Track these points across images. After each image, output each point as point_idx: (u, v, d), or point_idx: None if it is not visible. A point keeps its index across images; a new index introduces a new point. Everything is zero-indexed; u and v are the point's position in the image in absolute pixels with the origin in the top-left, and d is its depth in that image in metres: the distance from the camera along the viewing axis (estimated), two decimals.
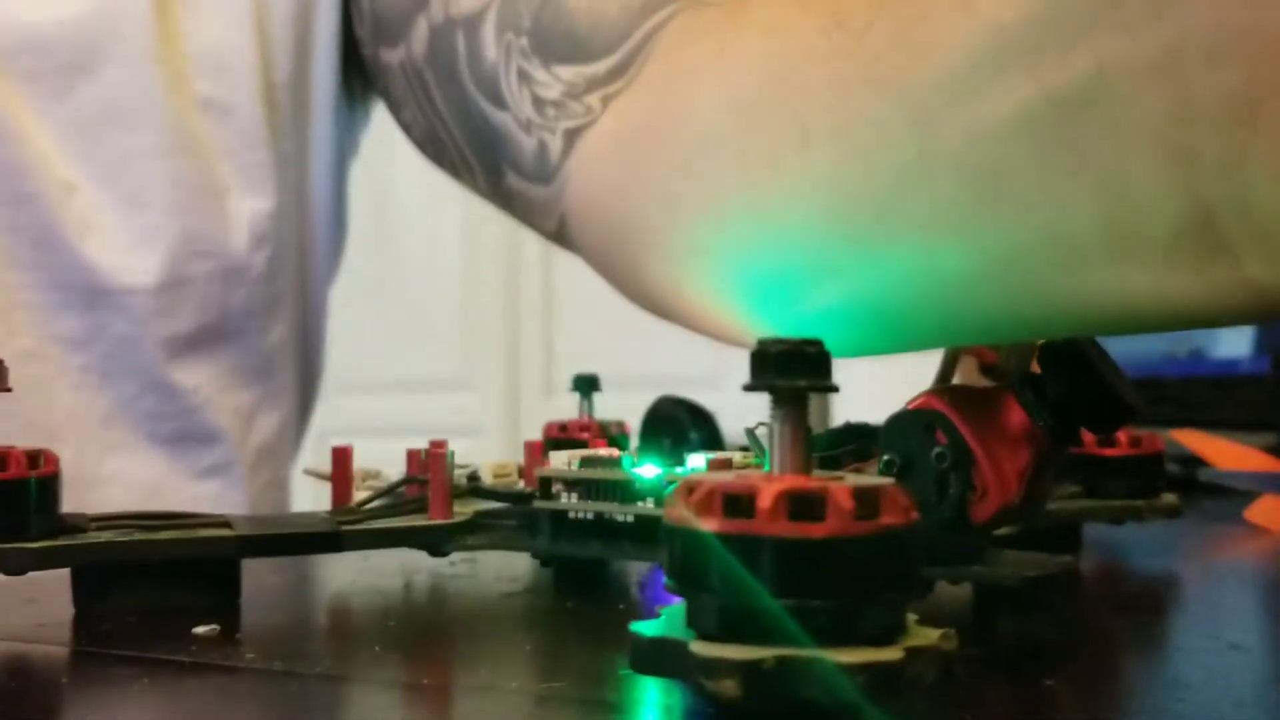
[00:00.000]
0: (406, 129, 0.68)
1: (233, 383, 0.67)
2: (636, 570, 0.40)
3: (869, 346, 0.34)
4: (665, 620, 0.22)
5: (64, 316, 0.62)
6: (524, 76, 0.57)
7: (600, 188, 0.52)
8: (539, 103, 0.56)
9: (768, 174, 0.36)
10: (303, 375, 0.74)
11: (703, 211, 0.40)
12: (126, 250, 0.63)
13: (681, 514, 0.21)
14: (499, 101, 0.58)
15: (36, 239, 0.61)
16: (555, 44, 0.56)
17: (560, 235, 0.59)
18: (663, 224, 0.46)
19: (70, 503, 0.35)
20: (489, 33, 0.59)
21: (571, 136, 0.55)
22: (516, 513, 0.39)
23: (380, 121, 0.77)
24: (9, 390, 0.34)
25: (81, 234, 0.62)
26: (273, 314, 0.68)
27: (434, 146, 0.66)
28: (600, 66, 0.53)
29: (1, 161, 0.60)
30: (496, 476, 0.42)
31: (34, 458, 0.33)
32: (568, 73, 0.55)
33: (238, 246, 0.65)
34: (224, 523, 0.36)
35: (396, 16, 0.65)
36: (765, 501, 0.20)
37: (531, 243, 0.80)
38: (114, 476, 0.63)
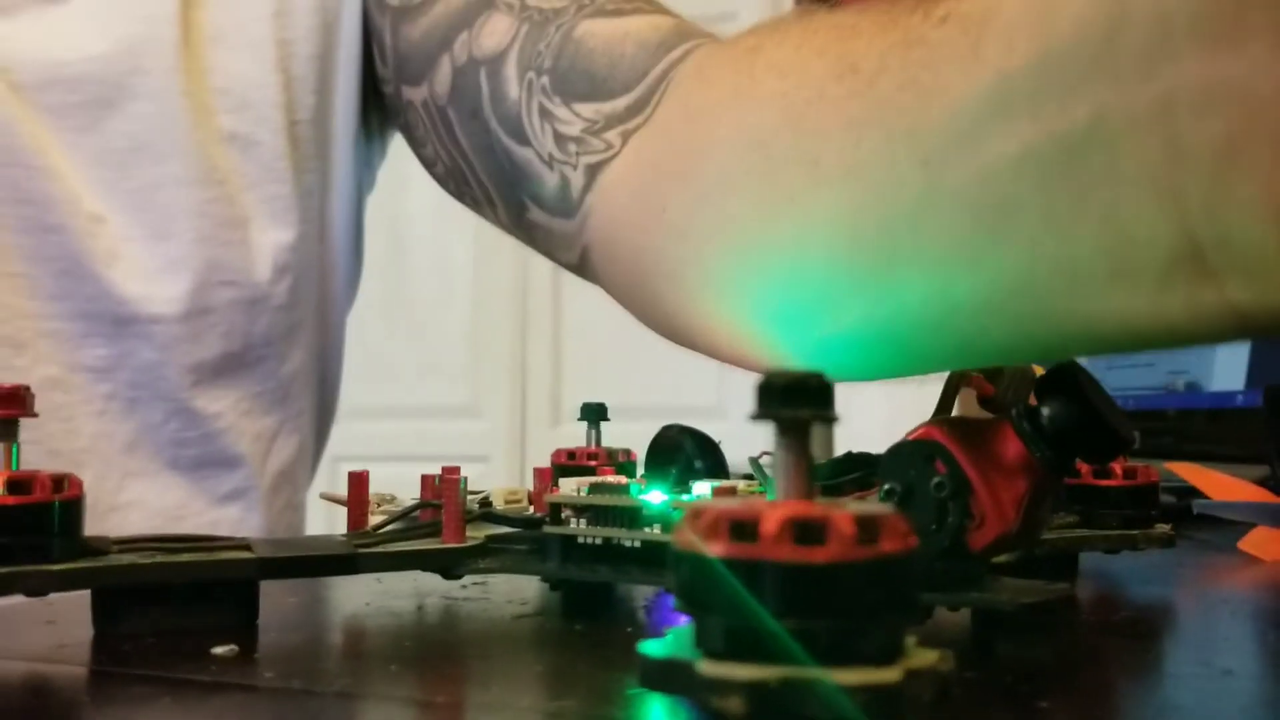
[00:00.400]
0: (428, 164, 0.70)
1: (254, 409, 0.68)
2: (643, 594, 0.41)
3: (882, 370, 0.35)
4: (672, 640, 0.23)
5: (90, 345, 0.63)
6: (545, 114, 0.58)
7: (621, 220, 0.54)
8: (560, 139, 0.58)
9: (785, 209, 0.37)
10: (320, 402, 0.75)
11: (721, 244, 0.42)
12: (153, 279, 0.64)
13: (689, 539, 0.22)
14: (521, 138, 0.60)
15: (63, 269, 0.62)
16: (575, 82, 0.57)
17: (582, 267, 0.60)
18: (682, 255, 0.47)
19: (88, 529, 0.36)
20: (511, 71, 0.60)
21: (593, 171, 0.56)
22: (527, 537, 0.40)
23: (393, 152, 0.78)
24: (35, 416, 0.35)
25: (108, 263, 0.63)
26: (293, 342, 0.69)
27: (456, 181, 0.68)
28: (619, 103, 0.55)
29: (29, 194, 0.62)
30: (507, 502, 0.43)
31: (58, 482, 0.34)
32: (588, 110, 0.57)
33: (260, 276, 0.66)
34: (244, 545, 0.36)
35: (420, 56, 0.66)
36: (770, 527, 0.21)
37: (540, 274, 0.82)
38: (133, 503, 0.64)
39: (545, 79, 0.59)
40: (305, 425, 0.72)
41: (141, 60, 0.64)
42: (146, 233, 0.64)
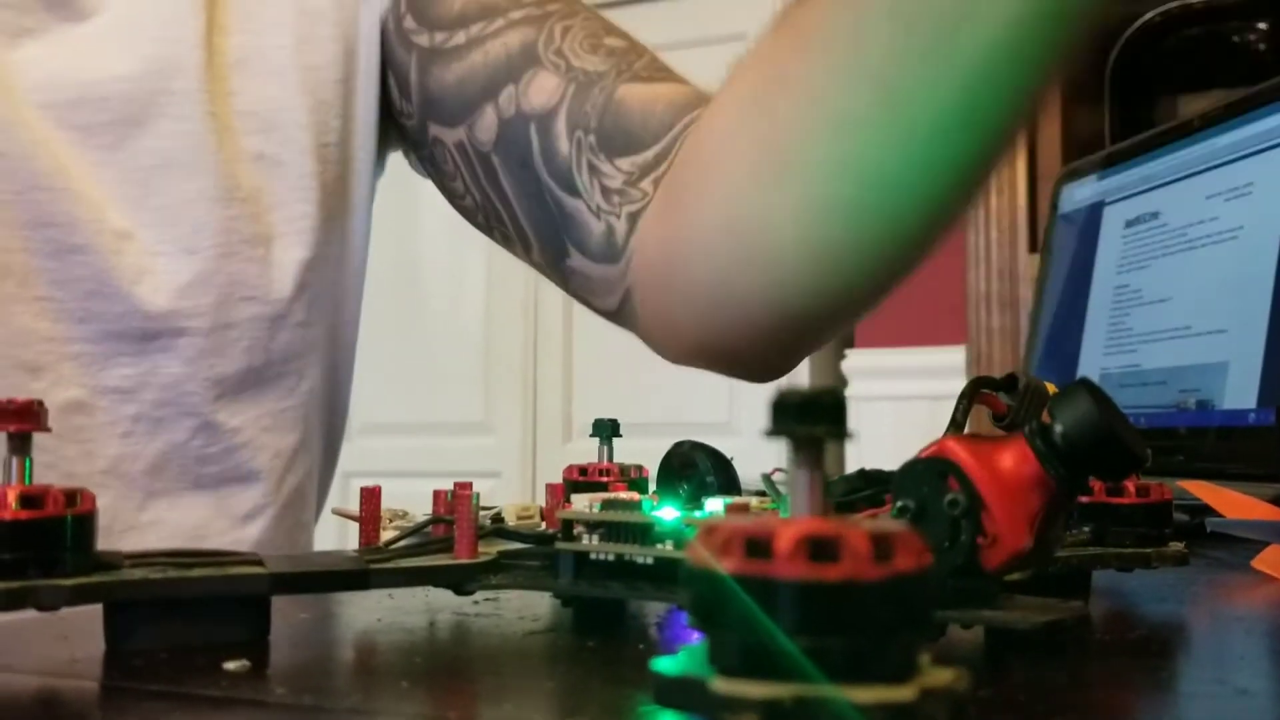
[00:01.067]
0: (456, 197, 0.72)
1: (274, 425, 0.69)
2: (655, 611, 0.41)
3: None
4: (686, 658, 0.23)
5: (115, 365, 0.64)
6: (593, 169, 0.64)
7: (656, 254, 0.57)
8: (606, 191, 0.63)
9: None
10: (329, 424, 0.76)
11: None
12: (178, 294, 0.65)
13: (702, 555, 0.22)
14: (573, 190, 0.65)
15: (90, 290, 0.64)
16: (616, 139, 0.63)
17: (620, 311, 0.64)
18: (706, 276, 0.54)
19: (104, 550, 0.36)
20: (561, 128, 0.65)
21: (634, 219, 0.62)
22: (539, 553, 0.40)
23: (405, 172, 0.79)
24: (48, 430, 0.35)
25: (135, 279, 0.64)
26: (310, 360, 0.71)
27: (486, 216, 0.71)
28: (650, 154, 0.61)
29: (53, 216, 0.62)
30: (520, 518, 0.43)
31: (71, 496, 0.34)
32: (626, 163, 0.63)
33: (281, 293, 0.68)
34: (256, 560, 0.36)
35: (456, 101, 0.69)
36: (783, 544, 0.21)
37: (552, 291, 0.83)
38: (153, 523, 0.65)
39: (592, 137, 0.64)
40: (316, 445, 0.73)
41: (168, 82, 0.66)
42: (173, 248, 0.65)
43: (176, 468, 0.66)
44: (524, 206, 0.67)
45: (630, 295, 0.64)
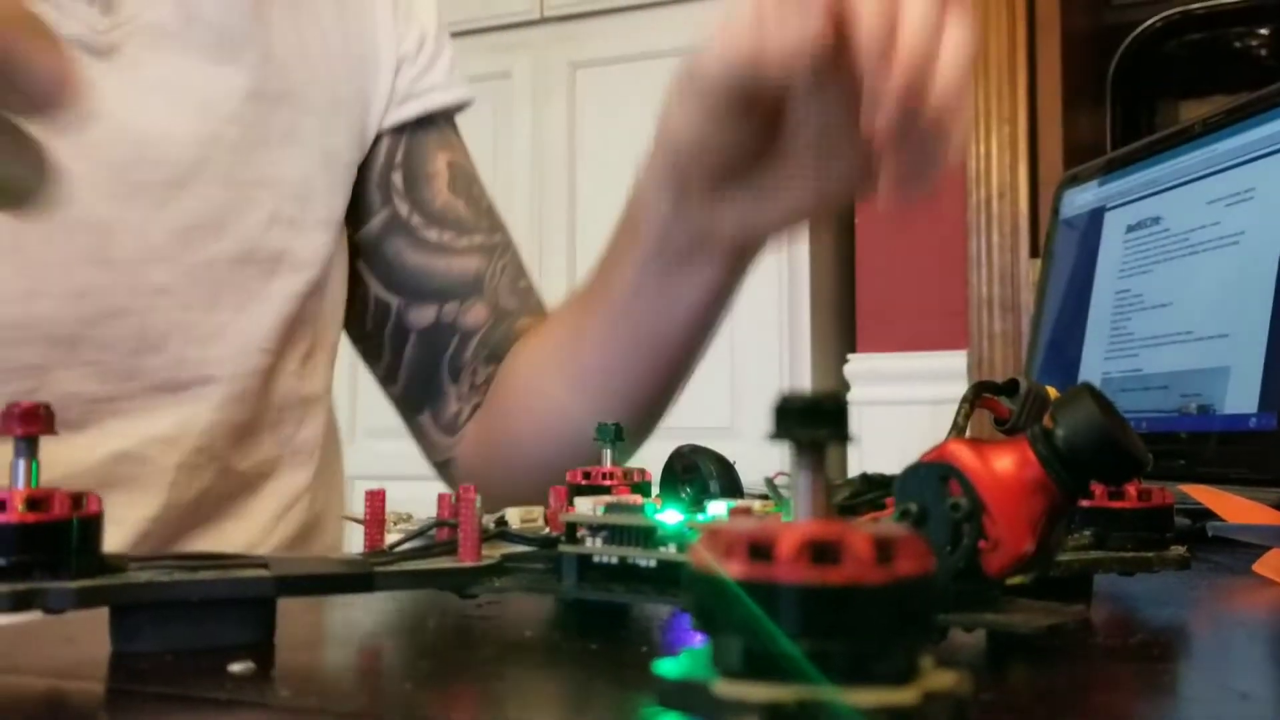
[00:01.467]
0: (362, 307, 0.84)
1: (286, 465, 0.77)
2: (658, 614, 0.41)
3: None
4: (688, 660, 0.23)
5: (159, 416, 0.70)
6: (474, 373, 0.84)
7: (481, 440, 0.84)
8: (473, 387, 0.83)
9: None
10: (331, 468, 0.85)
11: None
12: (206, 344, 0.71)
13: (705, 559, 0.22)
14: (456, 379, 0.83)
15: (132, 349, 0.69)
16: (499, 357, 0.84)
17: (443, 469, 0.87)
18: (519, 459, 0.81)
19: None
20: (474, 344, 0.83)
21: (474, 410, 0.84)
22: (543, 556, 0.40)
23: None
24: (54, 434, 0.35)
25: (169, 333, 0.70)
26: (313, 405, 0.79)
27: (368, 345, 0.86)
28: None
29: (100, 282, 0.68)
30: (523, 521, 0.43)
31: (77, 499, 0.34)
32: (493, 371, 0.85)
33: (295, 345, 0.76)
34: (261, 563, 0.36)
35: (406, 280, 0.85)
36: (786, 548, 0.21)
37: (554, 293, 0.87)
38: None
39: (486, 351, 0.82)
40: (325, 472, 0.82)
41: (210, 151, 0.72)
42: (202, 303, 0.72)
43: (207, 509, 0.72)
44: (411, 368, 0.84)
45: (453, 462, 0.84)
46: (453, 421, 0.83)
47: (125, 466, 0.68)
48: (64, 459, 0.65)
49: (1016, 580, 0.35)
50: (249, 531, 0.74)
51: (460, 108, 0.87)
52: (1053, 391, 0.38)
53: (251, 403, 0.73)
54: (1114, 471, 0.34)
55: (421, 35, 0.85)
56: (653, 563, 0.36)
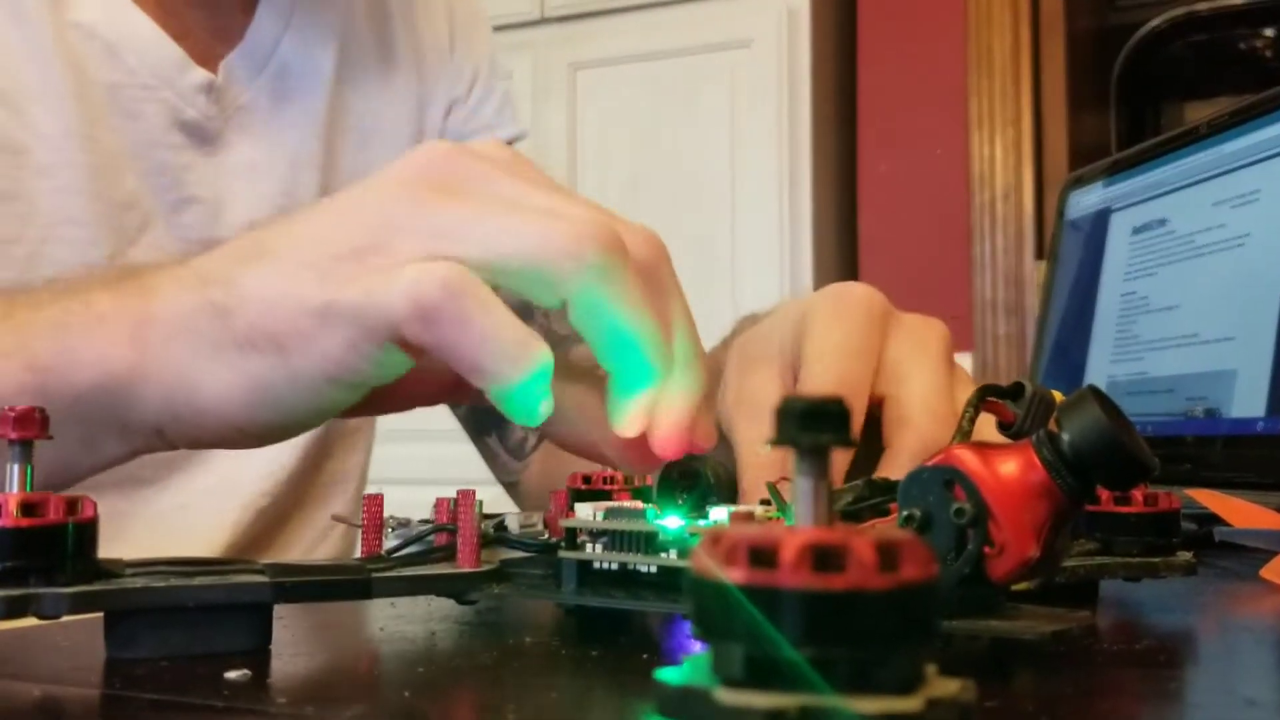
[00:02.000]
0: None
1: (308, 502, 0.80)
2: (658, 620, 0.41)
3: None
4: (689, 668, 0.23)
5: (211, 468, 0.75)
6: None
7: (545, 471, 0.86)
8: None
9: None
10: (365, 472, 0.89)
11: None
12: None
13: (707, 564, 0.22)
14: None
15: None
16: None
17: (512, 489, 0.90)
18: None
19: None
20: None
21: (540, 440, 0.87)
22: (542, 562, 0.40)
23: None
24: (49, 439, 0.35)
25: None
26: (355, 444, 0.84)
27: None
28: None
29: None
30: (523, 526, 0.43)
31: (72, 504, 0.34)
32: None
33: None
34: (257, 569, 0.36)
35: None
36: (789, 554, 0.20)
37: None
38: None
39: None
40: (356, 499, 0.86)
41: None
42: None
43: (236, 550, 0.76)
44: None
45: (519, 485, 0.87)
46: (519, 447, 0.85)
47: (184, 515, 0.74)
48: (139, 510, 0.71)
49: (1021, 586, 0.34)
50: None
51: (511, 143, 0.90)
52: (1058, 395, 0.37)
53: (286, 449, 0.77)
54: (1120, 476, 0.33)
55: (474, 74, 0.89)
56: (654, 569, 0.36)
